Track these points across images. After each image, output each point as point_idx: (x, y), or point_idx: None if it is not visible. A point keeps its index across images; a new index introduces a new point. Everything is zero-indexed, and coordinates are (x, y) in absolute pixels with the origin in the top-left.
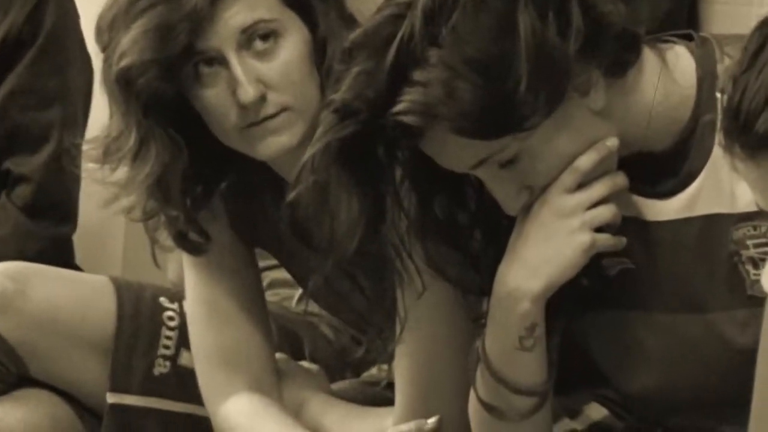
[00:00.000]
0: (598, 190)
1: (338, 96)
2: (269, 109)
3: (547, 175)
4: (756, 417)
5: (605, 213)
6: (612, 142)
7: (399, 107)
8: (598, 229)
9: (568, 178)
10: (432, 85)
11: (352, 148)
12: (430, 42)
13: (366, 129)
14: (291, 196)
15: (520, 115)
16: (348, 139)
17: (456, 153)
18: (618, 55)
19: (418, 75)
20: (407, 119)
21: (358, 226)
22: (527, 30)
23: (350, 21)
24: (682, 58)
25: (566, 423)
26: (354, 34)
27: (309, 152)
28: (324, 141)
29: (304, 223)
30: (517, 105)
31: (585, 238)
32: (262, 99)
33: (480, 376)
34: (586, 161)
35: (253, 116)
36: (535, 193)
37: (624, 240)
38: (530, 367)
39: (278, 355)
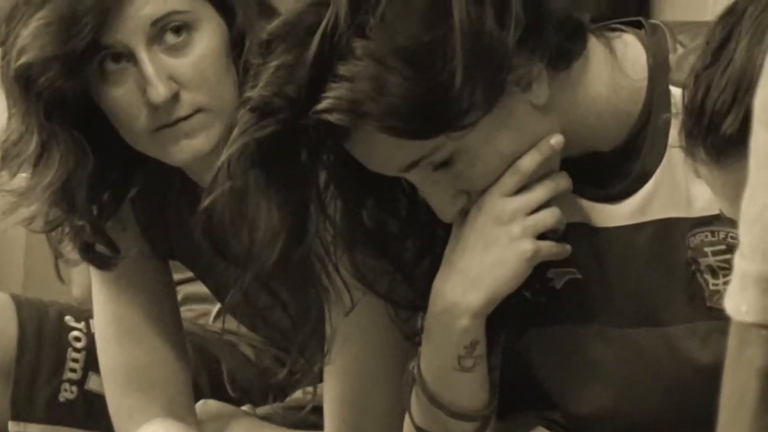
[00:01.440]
0: (540, 193)
1: (255, 93)
2: (182, 109)
3: (485, 177)
4: None
5: (548, 218)
6: (557, 141)
7: (322, 105)
8: (542, 236)
9: (508, 181)
10: (359, 79)
11: (271, 150)
12: (356, 32)
13: (286, 129)
14: (205, 202)
15: (455, 112)
16: (267, 140)
17: (385, 154)
18: (561, 45)
19: (343, 69)
20: (332, 118)
21: (279, 235)
22: (462, 17)
23: (271, 12)
24: (631, 48)
25: None
26: (272, 25)
27: (225, 155)
28: (241, 142)
29: (220, 233)
30: (452, 100)
31: (527, 245)
32: (175, 99)
33: (415, 399)
34: (528, 162)
35: (165, 117)
36: (473, 198)
37: (569, 248)
38: (470, 390)
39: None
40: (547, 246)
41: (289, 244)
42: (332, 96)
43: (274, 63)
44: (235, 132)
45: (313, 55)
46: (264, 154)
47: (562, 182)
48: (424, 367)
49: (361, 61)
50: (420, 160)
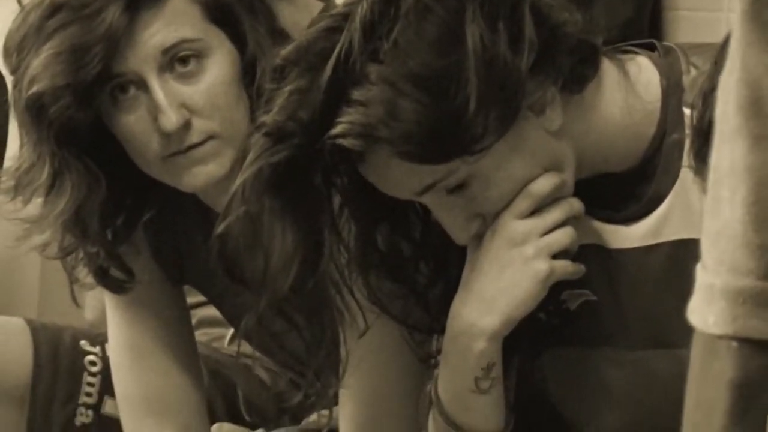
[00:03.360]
0: (554, 215)
1: (269, 118)
2: (194, 136)
3: (499, 201)
4: None
5: (562, 238)
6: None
7: (336, 129)
8: (556, 257)
9: (521, 204)
10: (372, 104)
11: (285, 175)
12: (369, 57)
13: (300, 154)
14: (220, 228)
15: (469, 137)
16: (281, 165)
17: (400, 179)
18: (575, 70)
19: (357, 94)
20: (346, 142)
21: (293, 260)
22: (476, 42)
23: (282, 37)
24: (644, 70)
25: None
26: (286, 50)
27: (239, 180)
28: (255, 167)
29: (234, 258)
30: (466, 125)
31: (542, 266)
32: (187, 126)
33: (432, 421)
34: (540, 185)
35: (177, 145)
36: (487, 221)
37: (584, 267)
38: (486, 411)
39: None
40: (562, 265)
41: (303, 269)
42: (346, 120)
43: (287, 88)
44: (250, 157)
45: (326, 79)
46: (278, 178)
47: (575, 205)
48: (441, 389)
49: (375, 85)
50: (434, 184)
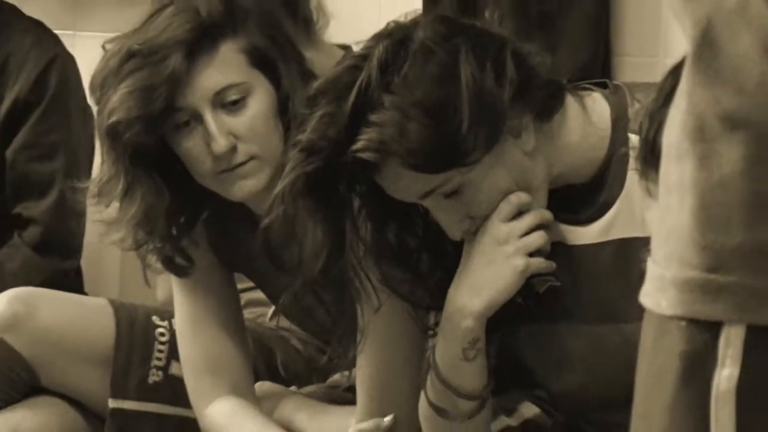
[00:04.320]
0: (530, 219)
1: (304, 136)
2: (239, 157)
3: (485, 205)
4: (636, 414)
5: (537, 240)
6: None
7: (357, 145)
8: (533, 255)
9: (505, 209)
10: (386, 125)
11: (316, 183)
12: (384, 88)
13: (328, 165)
14: (264, 223)
15: (462, 152)
16: (313, 174)
17: (407, 185)
18: (545, 103)
19: (374, 117)
20: (365, 155)
21: (322, 250)
22: (468, 78)
23: (310, 77)
24: (598, 103)
25: (503, 420)
26: (318, 83)
27: (279, 186)
28: (292, 176)
29: (275, 248)
30: (459, 143)
31: (520, 261)
32: (233, 149)
33: (430, 381)
34: (522, 195)
35: (225, 164)
36: (476, 223)
37: (554, 264)
38: (472, 375)
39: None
40: (536, 262)
41: (329, 257)
42: (365, 138)
43: (318, 113)
44: (287, 168)
45: (350, 105)
46: (310, 185)
47: (546, 214)
48: (437, 356)
49: (388, 111)
50: (434, 189)
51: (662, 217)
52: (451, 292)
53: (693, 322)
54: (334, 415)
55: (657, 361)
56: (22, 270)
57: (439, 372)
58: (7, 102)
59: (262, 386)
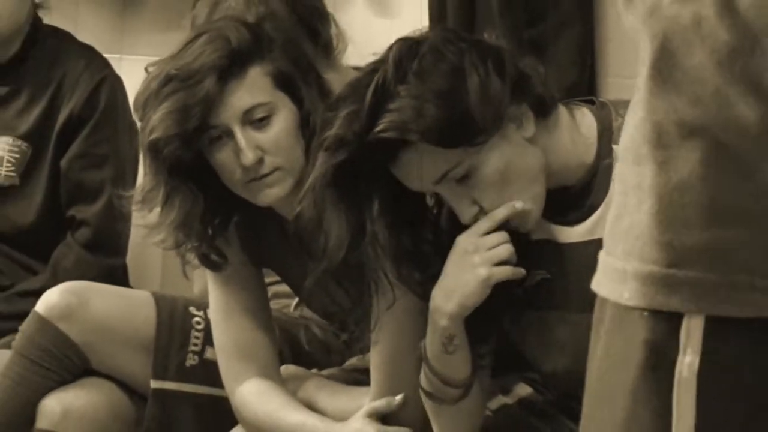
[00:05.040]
0: (495, 238)
1: (331, 133)
2: (265, 169)
3: (489, 189)
4: (595, 397)
5: (502, 252)
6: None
7: (379, 127)
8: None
9: (482, 224)
10: (404, 109)
11: (342, 177)
12: (399, 81)
13: (353, 158)
14: (296, 211)
15: (471, 131)
16: (339, 165)
17: (424, 169)
18: (541, 99)
19: (392, 105)
20: (386, 135)
21: (345, 240)
22: (472, 71)
23: (329, 96)
24: (587, 117)
25: (500, 399)
26: (340, 90)
27: (311, 178)
28: (322, 169)
29: (305, 235)
30: (469, 122)
31: (483, 271)
32: (260, 161)
33: (422, 370)
34: (500, 213)
35: (253, 174)
36: (483, 211)
37: (523, 271)
38: (454, 366)
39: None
40: (500, 271)
41: (351, 247)
42: (386, 121)
43: (342, 113)
44: (317, 164)
45: (369, 100)
46: (337, 178)
47: (506, 235)
48: (426, 348)
49: (404, 99)
50: (447, 173)
51: (618, 216)
52: (433, 293)
53: (655, 313)
54: (351, 394)
55: (615, 347)
56: (74, 266)
57: (428, 362)
58: (63, 117)
59: (287, 369)
